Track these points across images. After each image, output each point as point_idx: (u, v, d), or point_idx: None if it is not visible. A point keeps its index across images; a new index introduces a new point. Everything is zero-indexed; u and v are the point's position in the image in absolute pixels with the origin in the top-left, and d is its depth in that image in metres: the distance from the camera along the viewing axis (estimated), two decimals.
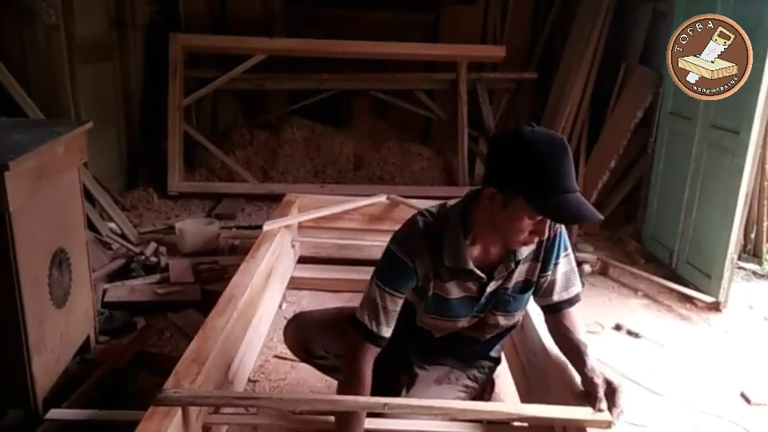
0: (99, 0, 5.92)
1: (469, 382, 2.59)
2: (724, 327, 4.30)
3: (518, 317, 2.55)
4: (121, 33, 6.29)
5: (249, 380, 3.29)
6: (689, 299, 4.60)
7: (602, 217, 2.09)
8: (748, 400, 3.46)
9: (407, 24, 7.89)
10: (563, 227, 2.37)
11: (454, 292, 2.37)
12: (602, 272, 5.07)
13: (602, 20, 6.29)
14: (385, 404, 2.14)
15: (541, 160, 2.01)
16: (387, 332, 2.33)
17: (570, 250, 2.43)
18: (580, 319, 2.45)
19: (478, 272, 2.30)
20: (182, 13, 7.14)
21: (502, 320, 2.47)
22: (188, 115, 6.88)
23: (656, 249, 5.34)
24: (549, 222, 2.19)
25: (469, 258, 2.28)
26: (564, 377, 2.35)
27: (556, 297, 2.41)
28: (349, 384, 2.31)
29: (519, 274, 2.38)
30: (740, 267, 5.05)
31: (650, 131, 5.56)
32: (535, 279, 2.40)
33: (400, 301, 2.34)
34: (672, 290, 4.72)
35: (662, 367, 3.75)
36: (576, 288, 2.44)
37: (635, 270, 5.02)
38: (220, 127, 7.55)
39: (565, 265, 2.40)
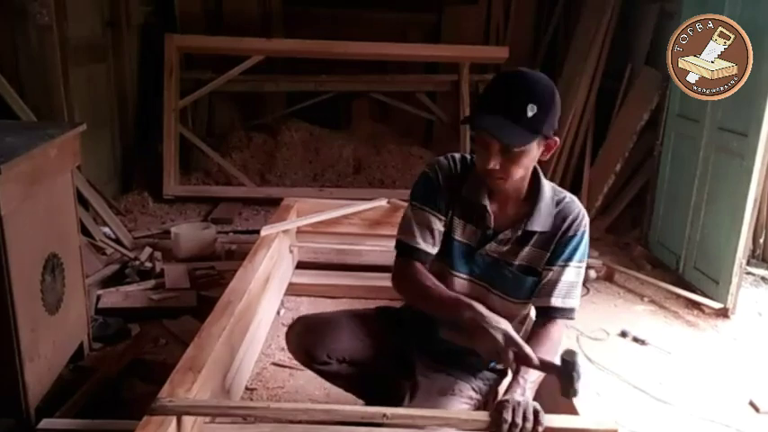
0: (92, 0, 5.93)
1: (474, 394, 2.57)
2: (732, 334, 4.30)
3: (517, 310, 2.52)
4: (116, 34, 6.30)
5: (246, 388, 3.29)
6: (696, 305, 4.60)
7: (515, 143, 2.20)
8: (757, 409, 3.46)
9: (408, 24, 7.91)
10: (585, 230, 2.42)
11: (458, 231, 2.47)
12: (608, 277, 5.07)
13: (607, 20, 6.29)
14: (384, 414, 2.14)
15: (488, 85, 2.33)
16: (428, 247, 2.45)
17: (584, 263, 2.44)
18: (561, 341, 2.42)
19: (490, 211, 2.41)
20: (177, 14, 7.16)
21: (499, 304, 2.45)
22: (184, 117, 6.87)
23: (663, 254, 5.34)
24: (513, 161, 2.25)
25: (486, 201, 2.41)
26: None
27: (553, 300, 2.40)
28: (426, 298, 2.39)
29: (525, 256, 2.43)
30: (749, 273, 5.06)
31: (656, 134, 5.56)
32: (540, 269, 2.43)
33: (436, 220, 2.44)
34: (679, 296, 4.72)
35: (669, 375, 3.75)
36: (574, 303, 2.43)
37: (641, 276, 5.02)
38: (217, 130, 7.55)
39: (573, 274, 2.41)
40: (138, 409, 2.19)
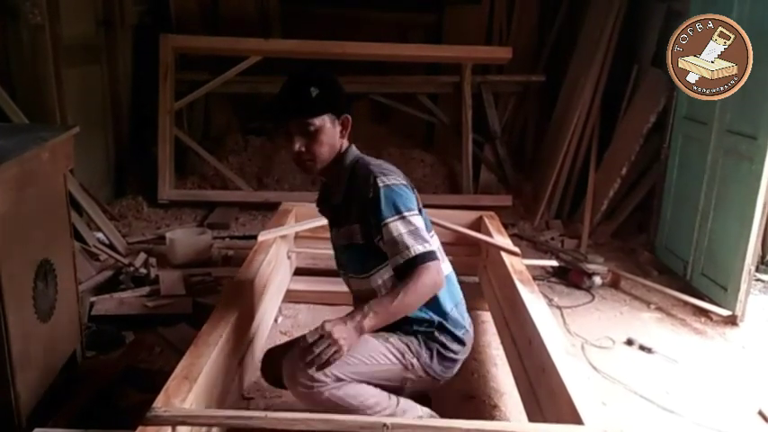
0: None
1: (402, 346, 2.71)
2: (741, 341, 4.30)
3: (370, 284, 2.76)
4: (109, 34, 6.31)
5: (243, 397, 3.29)
6: (704, 312, 4.60)
7: (306, 116, 2.65)
8: (766, 419, 3.46)
9: (409, 25, 7.91)
10: (380, 185, 2.60)
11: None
12: (614, 284, 5.08)
13: (613, 20, 6.30)
14: (384, 424, 2.14)
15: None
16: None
17: (402, 212, 2.58)
18: (424, 281, 2.50)
19: (331, 203, 2.89)
20: (172, 13, 7.16)
21: (355, 285, 2.89)
22: (179, 120, 6.89)
23: (670, 260, 5.34)
24: (314, 140, 2.67)
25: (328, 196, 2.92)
26: (575, 395, 2.34)
27: (392, 262, 2.57)
28: None
29: (344, 233, 2.79)
30: (758, 279, 5.06)
31: (663, 137, 5.57)
32: (361, 241, 2.70)
33: None
34: (686, 303, 4.72)
35: (676, 384, 3.75)
36: (413, 251, 2.51)
37: (647, 282, 5.02)
38: (213, 132, 7.56)
39: (394, 228, 2.56)
40: (133, 419, 2.19)
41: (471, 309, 4.48)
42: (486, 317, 4.32)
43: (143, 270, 4.74)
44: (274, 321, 4.09)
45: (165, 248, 5.12)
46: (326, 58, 6.92)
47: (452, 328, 2.81)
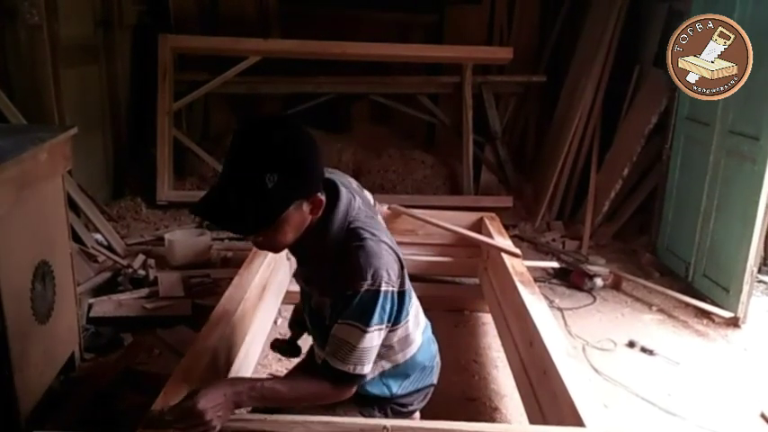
0: None
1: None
2: (743, 344, 4.30)
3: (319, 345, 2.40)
4: (108, 34, 6.31)
5: None
6: (706, 314, 4.61)
7: (253, 231, 2.10)
8: None
9: (409, 25, 7.90)
10: (361, 294, 2.11)
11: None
12: (615, 286, 5.08)
13: (614, 20, 6.29)
14: (384, 427, 2.14)
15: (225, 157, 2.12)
16: None
17: (364, 326, 2.13)
18: (318, 393, 2.24)
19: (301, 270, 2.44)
20: (171, 13, 7.15)
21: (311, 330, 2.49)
22: (178, 121, 6.89)
23: (672, 262, 5.34)
24: (276, 233, 2.09)
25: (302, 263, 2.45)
26: (576, 397, 2.34)
27: (323, 353, 2.23)
28: None
29: (315, 301, 2.35)
30: (760, 281, 5.07)
31: (665, 138, 5.58)
32: (326, 316, 2.27)
33: None
34: (688, 305, 4.73)
35: (677, 386, 3.76)
36: (337, 362, 2.16)
37: (649, 284, 5.03)
38: (212, 133, 7.56)
39: (345, 332, 2.15)
40: (131, 422, 2.19)
41: (472, 311, 4.52)
42: (487, 318, 4.33)
43: (142, 272, 4.74)
44: (274, 323, 4.09)
45: (163, 250, 5.12)
46: (326, 59, 6.93)
47: (405, 400, 2.55)
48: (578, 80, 6.59)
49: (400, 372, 2.48)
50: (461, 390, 3.56)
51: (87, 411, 3.12)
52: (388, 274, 2.15)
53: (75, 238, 4.64)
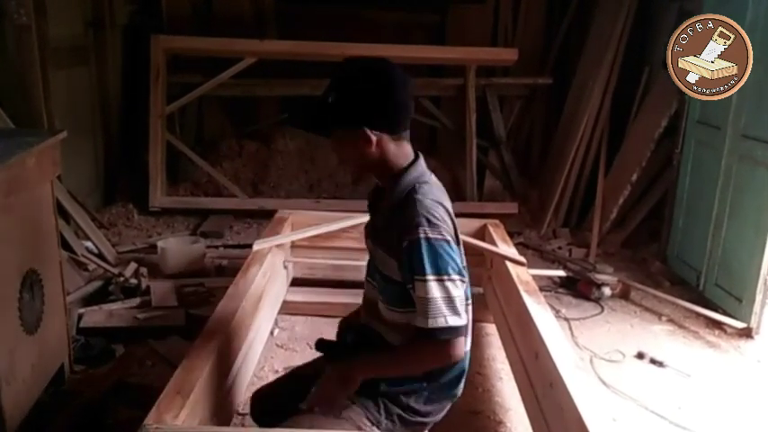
0: None
1: (365, 423, 2.41)
2: (756, 355, 4.31)
3: (401, 319, 2.40)
4: (98, 35, 6.33)
5: (238, 413, 3.30)
6: (718, 324, 4.61)
7: (311, 129, 2.65)
8: None
9: (411, 25, 7.92)
10: (420, 236, 2.22)
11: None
12: (624, 295, 5.08)
13: (623, 20, 6.31)
14: None
15: None
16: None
17: (441, 275, 2.23)
18: (424, 359, 2.36)
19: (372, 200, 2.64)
20: (164, 13, 7.17)
21: (384, 312, 2.46)
22: (171, 124, 6.90)
23: (682, 270, 5.35)
24: (337, 150, 2.49)
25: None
26: (584, 411, 2.35)
27: (418, 320, 2.26)
28: None
29: (380, 259, 2.45)
30: None
31: (676, 142, 5.58)
32: (396, 278, 2.35)
33: None
34: (699, 315, 4.73)
35: (688, 399, 3.76)
36: (435, 322, 2.21)
37: (659, 293, 5.03)
38: (206, 137, 7.55)
39: (424, 289, 2.22)
40: None
41: (476, 321, 4.51)
42: (491, 329, 4.33)
43: (133, 280, 4.74)
44: (270, 334, 4.10)
45: (156, 258, 5.13)
46: (324, 60, 6.93)
47: (433, 394, 2.50)
48: (586, 82, 6.60)
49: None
50: (465, 403, 3.55)
51: (77, 425, 3.12)
52: (446, 225, 2.30)
53: (65, 245, 4.64)
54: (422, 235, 2.21)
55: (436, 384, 2.45)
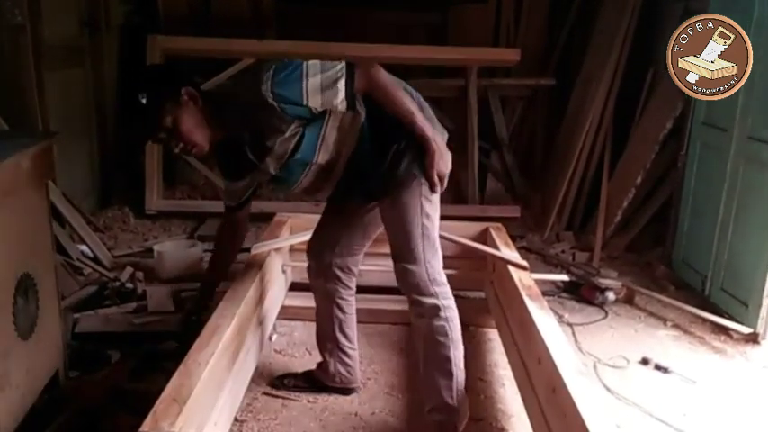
0: None
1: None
2: (763, 361, 4.30)
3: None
4: (94, 35, 6.33)
5: (236, 419, 3.30)
6: (724, 330, 4.61)
7: (147, 137, 3.03)
8: None
9: (411, 25, 7.93)
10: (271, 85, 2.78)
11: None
12: (628, 300, 5.08)
13: (627, 20, 6.31)
14: None
15: None
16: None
17: (302, 80, 2.82)
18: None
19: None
20: (161, 13, 7.18)
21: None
22: None
23: (688, 275, 5.35)
24: (181, 138, 2.81)
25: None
26: (587, 417, 2.34)
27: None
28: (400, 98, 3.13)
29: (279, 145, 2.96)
30: None
31: (681, 144, 5.58)
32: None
33: None
34: (705, 320, 4.72)
35: (694, 406, 3.75)
36: (339, 71, 2.86)
37: (664, 298, 5.02)
38: None
39: (312, 86, 2.83)
40: None
41: (477, 326, 4.52)
42: (493, 334, 4.33)
43: (129, 285, 4.75)
44: (268, 339, 4.10)
45: (152, 262, 5.13)
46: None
47: None
48: (589, 83, 6.60)
49: None
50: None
51: None
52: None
53: (60, 249, 4.65)
54: (266, 85, 2.74)
55: None
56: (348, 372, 3.60)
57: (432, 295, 3.01)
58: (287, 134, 2.86)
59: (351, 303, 3.58)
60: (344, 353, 3.57)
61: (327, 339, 3.56)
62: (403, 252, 3.04)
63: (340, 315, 3.53)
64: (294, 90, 2.75)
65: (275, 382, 3.73)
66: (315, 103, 2.79)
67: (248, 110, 2.79)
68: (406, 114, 2.94)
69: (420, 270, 3.00)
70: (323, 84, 2.78)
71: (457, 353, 3.06)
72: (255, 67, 3.04)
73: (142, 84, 2.74)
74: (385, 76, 2.96)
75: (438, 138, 2.96)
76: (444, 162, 2.92)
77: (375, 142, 2.99)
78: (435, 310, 3.02)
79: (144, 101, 2.65)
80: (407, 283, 3.05)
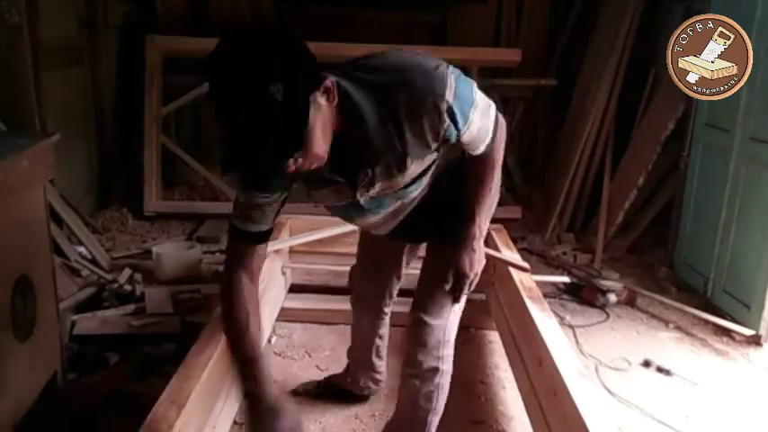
0: None
1: None
2: (765, 363, 4.31)
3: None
4: (92, 35, 6.32)
5: (235, 422, 3.29)
6: (726, 332, 4.61)
7: (290, 155, 1.93)
8: None
9: (412, 25, 7.92)
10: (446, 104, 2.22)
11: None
12: (630, 302, 5.08)
13: (629, 20, 6.31)
14: None
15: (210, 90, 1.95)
16: None
17: (467, 96, 2.32)
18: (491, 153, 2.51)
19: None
20: (159, 13, 7.17)
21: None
22: (167, 127, 6.90)
23: (690, 276, 5.35)
24: (307, 151, 2.00)
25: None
26: (589, 420, 2.34)
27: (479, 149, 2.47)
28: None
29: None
30: None
31: (683, 145, 5.58)
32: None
33: None
34: (707, 322, 4.73)
35: (696, 408, 3.76)
36: (487, 132, 2.43)
37: (666, 299, 5.02)
38: (203, 140, 7.55)
39: (474, 119, 2.33)
40: None
41: (478, 328, 4.51)
42: (494, 337, 4.33)
43: (128, 287, 4.74)
44: (268, 341, 4.10)
45: (151, 264, 5.12)
46: (324, 61, 6.92)
47: None
48: (591, 84, 6.60)
49: None
50: (467, 412, 3.56)
51: None
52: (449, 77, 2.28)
53: (58, 251, 4.64)
54: (447, 100, 2.20)
55: None
56: (377, 384, 3.63)
57: (436, 358, 2.78)
58: (425, 157, 2.33)
59: (387, 326, 3.52)
60: (377, 372, 3.58)
61: (363, 361, 3.55)
62: (428, 302, 2.77)
63: (378, 342, 3.50)
64: (465, 113, 2.24)
65: (298, 389, 3.72)
66: (467, 137, 2.32)
67: (413, 109, 2.18)
68: (479, 199, 2.58)
69: (439, 327, 2.75)
70: (482, 124, 2.36)
71: (435, 419, 2.88)
72: (420, 58, 2.37)
73: (278, 69, 1.84)
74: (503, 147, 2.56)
75: (481, 239, 2.67)
76: (478, 266, 2.70)
77: (449, 191, 2.62)
78: (431, 374, 2.78)
79: (280, 97, 1.80)
80: (418, 339, 2.77)
